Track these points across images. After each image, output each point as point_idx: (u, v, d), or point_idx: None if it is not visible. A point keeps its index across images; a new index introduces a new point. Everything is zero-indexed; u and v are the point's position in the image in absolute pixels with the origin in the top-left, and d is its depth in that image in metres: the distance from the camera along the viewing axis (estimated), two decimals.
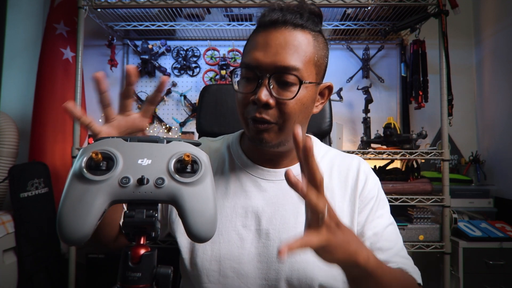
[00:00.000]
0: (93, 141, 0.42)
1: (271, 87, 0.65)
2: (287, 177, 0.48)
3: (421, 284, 0.71)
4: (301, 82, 0.66)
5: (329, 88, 0.76)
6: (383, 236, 0.72)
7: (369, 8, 1.76)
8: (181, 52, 2.26)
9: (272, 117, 0.66)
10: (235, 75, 0.72)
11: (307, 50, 0.67)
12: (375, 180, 0.78)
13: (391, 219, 0.76)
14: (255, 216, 0.72)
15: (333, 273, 0.69)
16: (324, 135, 1.05)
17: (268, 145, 0.69)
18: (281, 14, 0.67)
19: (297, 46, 0.66)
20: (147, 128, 2.27)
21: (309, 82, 0.68)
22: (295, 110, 0.67)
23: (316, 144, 0.82)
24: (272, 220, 0.71)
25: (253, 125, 0.68)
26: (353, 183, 0.76)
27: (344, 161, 0.79)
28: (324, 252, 0.49)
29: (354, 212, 0.73)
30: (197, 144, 0.43)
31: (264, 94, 0.64)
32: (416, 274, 0.70)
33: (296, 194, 0.71)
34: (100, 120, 2.26)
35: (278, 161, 0.76)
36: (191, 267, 0.72)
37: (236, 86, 0.70)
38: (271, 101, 0.65)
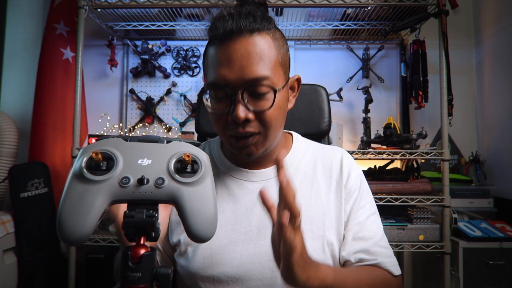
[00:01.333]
0: (93, 141, 0.42)
1: (246, 101, 0.64)
2: (262, 197, 0.52)
3: (399, 274, 0.73)
4: (275, 91, 0.65)
5: (298, 81, 0.76)
6: (364, 226, 0.74)
7: (369, 8, 1.76)
8: (181, 52, 2.26)
9: (255, 128, 0.66)
10: (205, 94, 0.69)
11: (270, 54, 0.65)
12: (357, 171, 0.80)
13: (373, 208, 0.78)
14: (245, 218, 0.72)
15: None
16: (323, 135, 1.05)
17: (255, 156, 0.70)
18: (233, 22, 0.63)
19: (260, 53, 0.64)
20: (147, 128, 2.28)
21: (281, 88, 0.67)
22: (274, 116, 0.67)
23: (298, 139, 0.83)
24: (261, 219, 0.72)
25: (237, 142, 0.68)
26: (337, 175, 0.77)
27: (327, 154, 0.81)
28: (290, 280, 0.52)
29: (341, 204, 0.75)
30: (197, 144, 0.43)
31: (241, 111, 0.63)
32: (392, 266, 0.72)
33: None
34: (100, 120, 2.27)
35: (262, 162, 0.77)
36: (186, 276, 0.72)
37: (209, 107, 0.68)
38: (250, 116, 0.65)
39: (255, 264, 0.69)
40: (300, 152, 0.80)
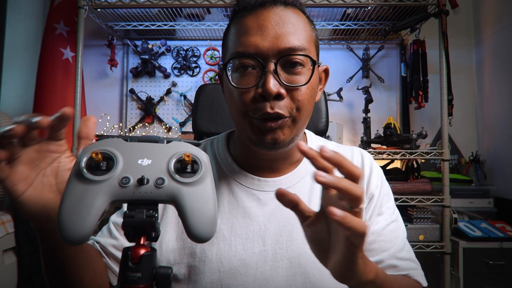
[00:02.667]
0: (93, 141, 0.42)
1: (278, 74, 0.56)
2: (280, 194, 0.41)
3: (425, 285, 0.66)
4: (314, 62, 0.58)
5: (326, 72, 0.68)
6: (380, 236, 0.64)
7: (369, 8, 1.76)
8: (181, 52, 2.26)
9: (286, 109, 0.57)
10: (228, 69, 0.60)
11: (306, 28, 0.59)
12: (378, 173, 0.70)
13: (394, 215, 0.69)
14: (258, 236, 0.62)
15: None
16: (321, 135, 1.05)
17: (281, 145, 0.59)
18: None
19: (296, 24, 0.58)
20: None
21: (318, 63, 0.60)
22: (308, 96, 0.58)
23: (312, 138, 0.74)
24: (278, 238, 0.62)
25: (263, 124, 0.57)
26: None
27: (345, 155, 0.72)
28: (347, 271, 0.42)
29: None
30: (197, 144, 0.43)
31: (273, 84, 0.54)
32: (420, 276, 0.65)
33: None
34: (100, 120, 2.27)
35: (277, 167, 0.67)
36: None
37: (232, 82, 0.59)
38: (283, 91, 0.56)
39: None
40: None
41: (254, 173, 0.67)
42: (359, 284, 0.44)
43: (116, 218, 0.67)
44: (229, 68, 0.60)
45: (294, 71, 0.57)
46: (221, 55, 0.73)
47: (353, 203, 0.39)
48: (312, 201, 0.65)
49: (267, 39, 0.56)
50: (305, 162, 0.69)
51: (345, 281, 0.43)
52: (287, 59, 0.56)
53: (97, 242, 0.65)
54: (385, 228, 0.65)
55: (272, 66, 0.56)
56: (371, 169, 0.69)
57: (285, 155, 0.66)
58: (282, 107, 0.56)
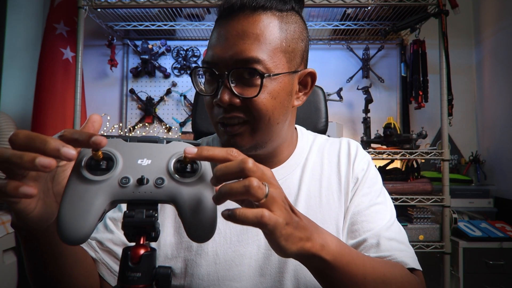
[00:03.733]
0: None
1: (233, 85, 0.58)
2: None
3: (416, 268, 0.61)
4: (262, 76, 0.57)
5: (311, 75, 0.66)
6: (363, 216, 0.64)
7: (369, 8, 1.76)
8: (181, 52, 2.26)
9: (243, 114, 0.59)
10: (199, 76, 0.65)
11: (271, 36, 0.58)
12: (365, 158, 0.72)
13: (380, 198, 0.68)
14: (251, 228, 0.63)
15: None
16: None
17: (242, 149, 0.58)
18: None
19: (258, 34, 0.57)
20: (147, 129, 2.27)
21: (274, 74, 0.58)
22: (266, 106, 0.58)
23: (303, 134, 0.76)
24: None
25: (223, 130, 0.61)
26: (345, 168, 0.70)
27: (333, 147, 0.73)
28: (279, 239, 0.41)
29: (347, 201, 0.68)
30: (196, 144, 0.43)
31: (225, 95, 0.57)
32: (407, 258, 0.60)
33: (291, 193, 0.67)
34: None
35: (264, 163, 0.66)
36: None
37: (201, 88, 0.63)
38: (237, 100, 0.58)
39: (264, 276, 0.63)
40: (306, 149, 0.73)
41: None
42: (300, 257, 0.45)
43: (112, 214, 0.67)
44: (201, 74, 0.64)
45: (250, 82, 0.58)
46: None
47: (243, 175, 0.39)
48: (302, 189, 0.67)
49: (225, 50, 0.58)
50: (295, 155, 0.71)
51: (278, 253, 0.44)
52: (239, 70, 0.58)
53: (92, 239, 0.65)
54: (368, 209, 0.65)
55: (226, 77, 0.57)
56: (356, 154, 0.71)
57: (268, 155, 0.67)
58: (239, 112, 0.59)
